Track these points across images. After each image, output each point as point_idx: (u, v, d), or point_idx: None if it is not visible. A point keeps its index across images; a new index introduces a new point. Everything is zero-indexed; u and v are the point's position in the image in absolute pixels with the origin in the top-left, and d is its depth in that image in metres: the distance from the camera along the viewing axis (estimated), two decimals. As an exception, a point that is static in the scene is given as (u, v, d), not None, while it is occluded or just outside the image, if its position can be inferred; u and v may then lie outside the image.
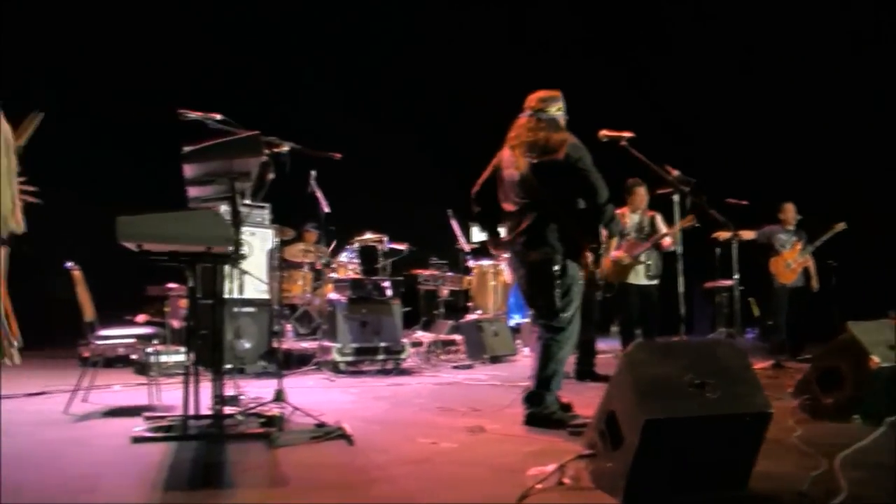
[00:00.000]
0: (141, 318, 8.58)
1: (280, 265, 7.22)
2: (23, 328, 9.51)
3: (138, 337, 6.01)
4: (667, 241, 7.39)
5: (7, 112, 2.39)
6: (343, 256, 9.50)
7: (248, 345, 7.38)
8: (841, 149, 11.10)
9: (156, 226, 3.76)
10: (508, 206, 4.87)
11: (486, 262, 10.34)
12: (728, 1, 12.05)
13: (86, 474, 3.51)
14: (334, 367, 7.52)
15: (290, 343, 8.53)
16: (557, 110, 4.82)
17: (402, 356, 7.89)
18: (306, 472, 3.51)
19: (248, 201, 4.71)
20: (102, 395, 5.99)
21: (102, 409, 5.31)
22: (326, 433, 4.25)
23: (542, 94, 4.85)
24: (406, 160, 12.32)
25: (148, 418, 4.67)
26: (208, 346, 4.63)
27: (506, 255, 9.57)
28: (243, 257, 4.41)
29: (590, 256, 4.66)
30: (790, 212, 9.15)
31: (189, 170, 4.19)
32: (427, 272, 10.12)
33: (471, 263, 10.47)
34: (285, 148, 4.85)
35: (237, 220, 4.19)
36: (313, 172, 7.55)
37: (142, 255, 3.96)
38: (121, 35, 10.53)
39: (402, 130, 12.47)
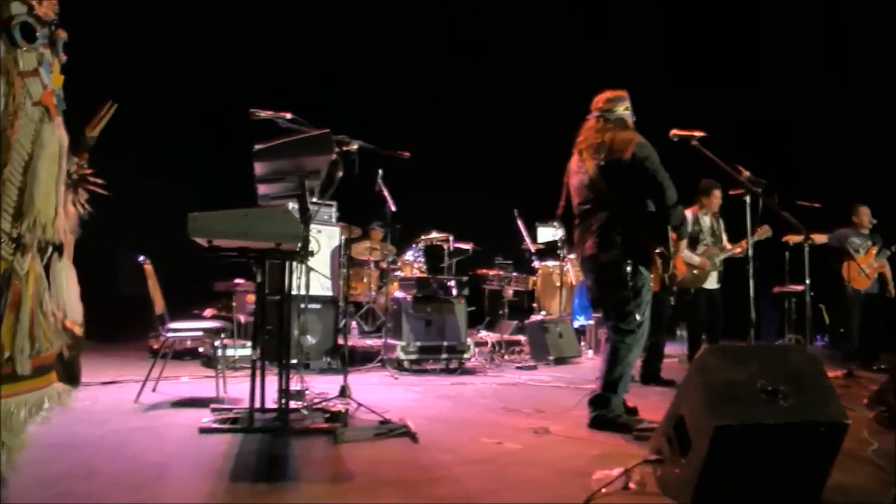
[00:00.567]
0: (208, 312, 8.76)
1: (346, 263, 7.27)
2: (97, 320, 9.81)
3: (206, 330, 6.14)
4: (738, 249, 7.27)
5: (81, 103, 2.45)
6: (408, 255, 9.55)
7: (313, 341, 7.46)
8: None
9: (226, 222, 3.82)
10: (578, 210, 4.85)
11: (551, 263, 10.29)
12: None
13: (155, 461, 3.60)
14: (398, 365, 7.57)
15: (354, 340, 8.60)
16: (625, 110, 4.79)
17: (466, 355, 7.89)
18: (370, 468, 3.53)
19: (315, 199, 4.76)
20: (171, 386, 6.14)
21: (171, 400, 5.43)
22: (390, 430, 4.27)
23: (608, 94, 4.83)
24: (473, 159, 12.32)
25: (215, 410, 4.77)
26: (274, 341, 4.70)
27: (571, 256, 9.62)
28: (311, 254, 4.46)
29: (659, 259, 4.58)
30: (865, 215, 8.87)
31: (259, 167, 4.26)
32: (492, 272, 10.11)
33: (536, 264, 10.43)
34: (354, 146, 4.88)
35: (306, 218, 4.24)
36: (380, 171, 7.60)
37: (211, 250, 4.04)
38: (195, 34, 10.73)
39: (470, 130, 12.45)
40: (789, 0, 11.95)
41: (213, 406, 4.91)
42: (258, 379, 4.44)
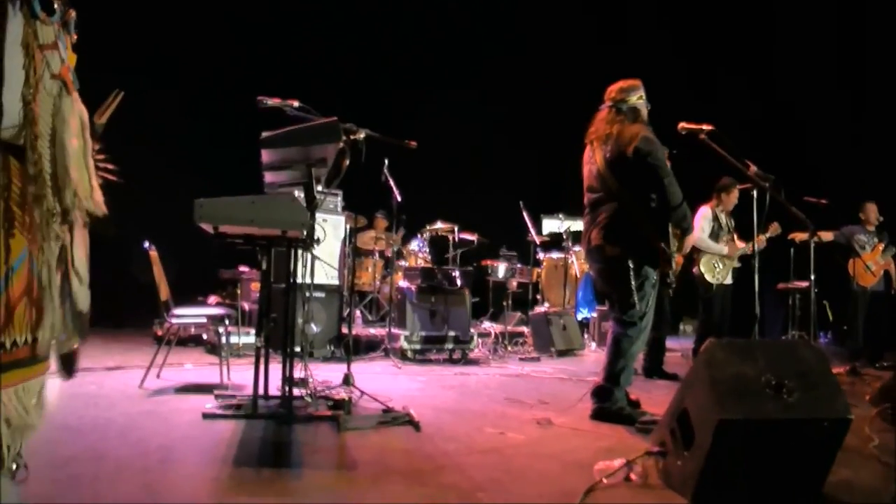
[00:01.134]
0: (212, 299, 8.79)
1: (352, 252, 7.29)
2: (103, 306, 9.84)
3: (211, 317, 6.16)
4: (750, 248, 7.28)
5: (89, 89, 2.46)
6: (413, 245, 9.57)
7: (317, 329, 7.48)
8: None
9: (233, 209, 3.84)
10: (587, 200, 4.87)
11: (556, 255, 10.31)
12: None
13: (161, 446, 3.62)
14: (402, 355, 7.59)
15: (358, 329, 8.62)
16: (638, 99, 4.77)
17: (470, 346, 7.92)
18: (375, 456, 3.55)
19: (321, 188, 4.77)
20: (175, 372, 6.17)
21: (175, 386, 5.46)
22: (394, 419, 4.30)
23: (621, 84, 4.81)
24: (480, 151, 12.31)
25: (219, 396, 4.79)
26: (279, 329, 4.72)
27: (576, 249, 9.63)
28: (317, 242, 4.48)
29: (667, 251, 4.60)
30: (872, 212, 8.86)
31: (266, 155, 4.27)
32: (497, 263, 10.12)
33: (541, 256, 10.44)
34: (361, 135, 4.88)
35: (312, 206, 4.25)
36: (386, 161, 7.61)
37: (217, 237, 4.06)
38: (204, 20, 10.72)
39: (477, 121, 12.44)
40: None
41: (216, 392, 4.93)
42: (262, 366, 4.45)
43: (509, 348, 8.87)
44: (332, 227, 7.57)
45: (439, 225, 9.60)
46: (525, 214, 9.90)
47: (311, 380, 4.95)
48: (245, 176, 5.31)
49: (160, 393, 5.19)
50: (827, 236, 8.61)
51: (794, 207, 4.94)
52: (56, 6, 2.25)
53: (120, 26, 9.73)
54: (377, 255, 9.81)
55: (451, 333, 7.80)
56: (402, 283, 8.28)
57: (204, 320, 6.35)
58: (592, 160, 4.80)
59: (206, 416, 4.29)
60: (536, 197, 10.54)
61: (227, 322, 5.84)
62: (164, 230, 6.93)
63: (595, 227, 4.74)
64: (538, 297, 10.41)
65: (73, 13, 2.39)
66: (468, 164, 12.18)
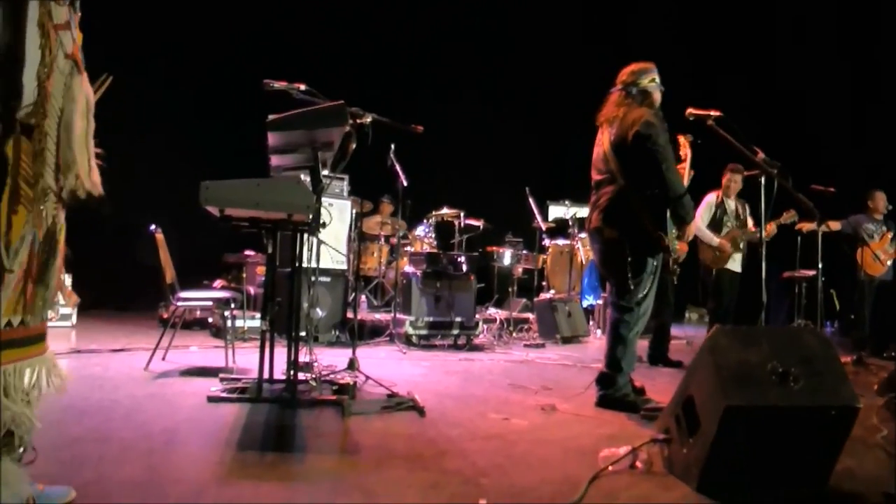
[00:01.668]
0: (218, 283, 8.80)
1: (357, 237, 7.27)
2: (108, 289, 9.89)
3: (216, 301, 6.16)
4: (765, 233, 7.24)
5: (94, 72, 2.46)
6: (419, 230, 9.55)
7: (322, 314, 7.49)
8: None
9: (239, 191, 3.82)
10: (593, 182, 4.87)
11: (561, 242, 10.29)
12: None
13: (165, 428, 3.63)
14: (407, 340, 7.59)
15: (363, 314, 8.62)
16: (650, 82, 4.72)
17: (475, 332, 7.92)
18: (379, 440, 3.55)
19: (327, 172, 4.76)
20: (180, 355, 6.18)
21: (180, 369, 5.47)
22: (398, 404, 4.30)
23: (633, 66, 4.77)
24: (486, 136, 12.27)
25: (223, 379, 4.80)
26: (284, 313, 4.71)
27: (582, 236, 9.62)
28: (323, 226, 4.47)
29: (664, 239, 4.57)
30: (881, 200, 8.81)
31: (272, 138, 4.26)
32: (502, 249, 10.11)
33: (546, 242, 10.42)
34: (368, 119, 4.86)
35: (318, 190, 4.24)
36: (392, 145, 7.59)
37: (223, 220, 4.05)
38: (210, 2, 10.69)
39: (484, 106, 12.41)
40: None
41: (221, 375, 4.94)
42: (267, 350, 4.45)
43: (514, 334, 8.87)
44: (337, 212, 7.56)
45: (445, 210, 9.59)
46: (531, 200, 9.88)
47: (315, 364, 4.95)
48: (251, 159, 5.30)
49: (165, 376, 5.20)
50: (835, 226, 8.57)
51: (801, 195, 4.90)
52: None
53: (126, 8, 9.71)
54: (383, 239, 9.81)
55: (456, 319, 7.81)
56: (408, 269, 8.27)
57: (209, 303, 6.38)
58: (600, 142, 4.80)
59: (210, 399, 4.30)
60: (542, 183, 10.52)
61: (232, 305, 5.85)
62: (170, 213, 6.94)
63: (596, 209, 4.76)
64: (543, 283, 10.40)
65: None
66: (474, 150, 12.15)
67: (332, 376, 4.97)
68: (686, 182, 6.33)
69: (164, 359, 5.76)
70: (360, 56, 12.11)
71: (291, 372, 4.42)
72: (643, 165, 4.52)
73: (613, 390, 4.59)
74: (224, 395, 4.37)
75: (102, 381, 4.87)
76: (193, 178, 3.92)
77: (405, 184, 7.76)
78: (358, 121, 4.80)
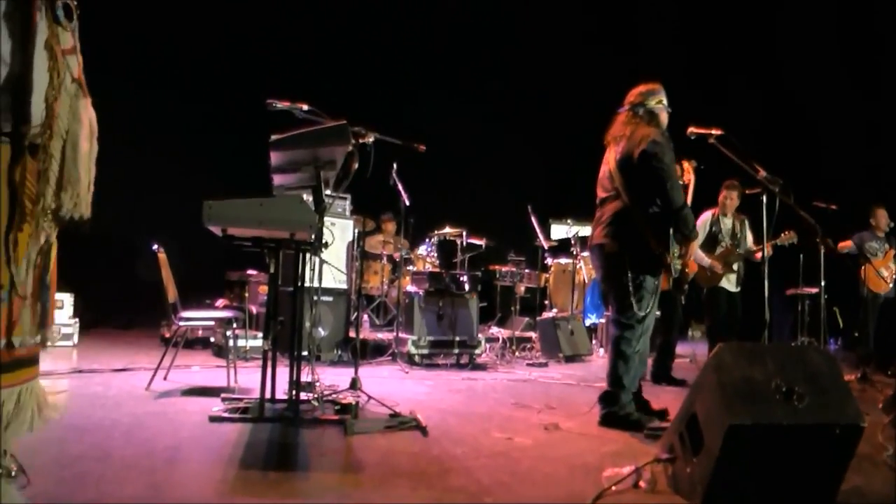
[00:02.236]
0: (220, 302, 8.80)
1: (360, 256, 7.28)
2: (110, 307, 9.89)
3: (218, 320, 6.16)
4: (757, 255, 7.23)
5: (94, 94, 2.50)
6: (421, 249, 9.55)
7: (324, 333, 7.48)
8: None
9: (241, 210, 3.84)
10: (598, 199, 4.92)
11: (564, 260, 10.28)
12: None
13: (167, 446, 3.63)
14: (409, 359, 7.58)
15: (366, 333, 8.61)
16: (657, 103, 4.78)
17: (477, 351, 7.90)
18: (382, 459, 3.54)
19: (329, 191, 4.77)
20: (182, 374, 6.18)
21: (182, 388, 5.46)
22: (401, 423, 4.28)
23: (641, 88, 4.84)
24: (488, 155, 12.29)
25: (225, 399, 4.78)
26: (286, 332, 4.71)
27: (585, 254, 9.62)
28: (325, 245, 4.48)
29: (668, 258, 4.60)
30: (882, 217, 8.80)
31: (275, 157, 4.28)
32: (505, 268, 10.10)
33: (549, 261, 10.42)
34: (370, 138, 4.89)
35: (321, 209, 4.25)
36: (395, 164, 7.61)
37: (226, 239, 4.06)
38: (213, 20, 10.74)
39: (486, 124, 12.44)
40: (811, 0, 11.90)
41: (223, 395, 4.93)
42: (269, 369, 4.45)
43: (517, 353, 8.85)
44: (340, 231, 7.57)
45: (447, 229, 9.59)
46: (533, 219, 9.88)
47: (318, 383, 4.95)
48: (254, 178, 5.32)
49: (167, 395, 5.20)
50: (845, 246, 8.57)
51: (803, 212, 4.91)
52: (74, 12, 2.31)
53: (130, 26, 9.78)
54: (385, 258, 9.80)
55: (459, 338, 7.79)
56: (410, 287, 8.27)
57: (211, 323, 6.38)
58: (607, 161, 4.85)
59: (212, 418, 4.29)
60: (545, 201, 10.51)
61: (234, 325, 5.84)
62: (173, 231, 6.95)
63: (599, 225, 4.81)
64: (546, 301, 10.39)
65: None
66: (477, 169, 12.15)
67: (334, 396, 4.95)
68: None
69: (165, 378, 5.76)
70: (363, 75, 12.15)
71: (293, 391, 4.42)
72: (648, 183, 4.57)
73: (617, 408, 4.58)
74: (226, 414, 4.36)
75: (104, 400, 4.87)
76: (196, 196, 3.94)
77: (407, 202, 7.77)
78: (360, 140, 4.81)
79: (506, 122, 12.72)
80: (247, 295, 8.61)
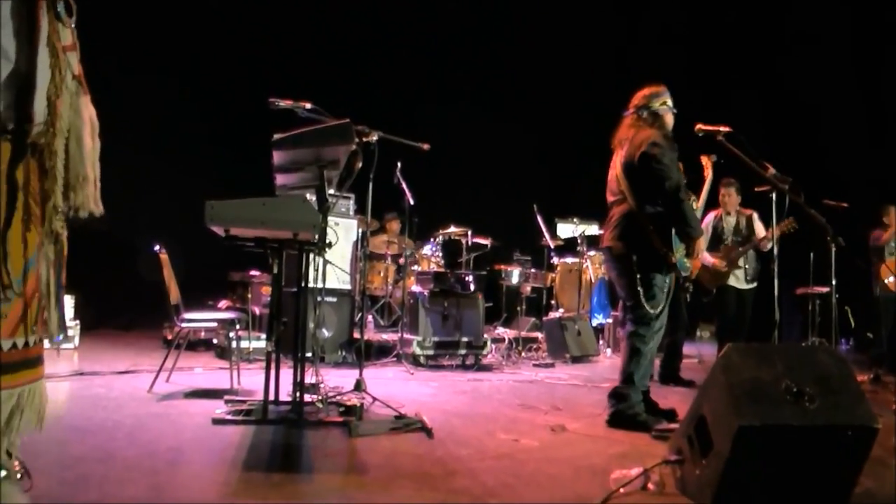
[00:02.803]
0: (223, 303, 8.81)
1: (364, 256, 7.29)
2: (112, 309, 9.91)
3: (221, 321, 6.17)
4: (763, 242, 7.22)
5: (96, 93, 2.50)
6: (426, 249, 9.55)
7: (328, 334, 7.49)
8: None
9: (244, 210, 3.84)
10: (608, 202, 4.99)
11: (570, 260, 10.26)
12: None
13: (170, 447, 3.64)
14: (414, 360, 7.58)
15: (370, 334, 8.61)
16: (662, 105, 4.83)
17: (483, 352, 7.89)
18: (386, 460, 3.54)
19: (332, 191, 4.77)
20: (185, 376, 6.18)
21: (185, 390, 5.46)
22: (406, 424, 4.29)
23: (646, 90, 4.90)
24: (493, 153, 12.27)
25: (228, 401, 4.79)
26: (290, 334, 4.72)
27: (591, 254, 9.61)
28: (329, 245, 4.48)
29: (673, 257, 4.63)
30: (895, 216, 8.78)
31: (278, 157, 4.28)
32: (510, 267, 10.10)
33: (555, 260, 10.40)
34: (374, 137, 4.89)
35: (324, 209, 4.26)
36: (399, 163, 7.61)
37: (228, 239, 4.07)
38: (215, 20, 10.76)
39: (491, 122, 12.42)
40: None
41: (226, 397, 4.93)
42: (273, 371, 4.45)
43: (523, 354, 8.83)
44: (343, 231, 7.56)
45: (452, 228, 9.58)
46: (539, 218, 9.87)
47: (321, 385, 4.95)
48: (256, 178, 5.33)
49: (169, 397, 5.20)
50: (888, 237, 8.55)
51: (813, 211, 4.90)
52: (74, 9, 2.31)
53: (132, 25, 9.80)
54: (389, 258, 9.80)
55: (464, 339, 7.79)
56: (415, 288, 8.27)
57: (214, 324, 6.38)
58: (614, 165, 4.91)
59: (215, 421, 4.29)
60: (550, 200, 10.50)
61: (237, 326, 5.85)
62: (175, 232, 6.96)
63: (607, 227, 4.90)
64: (552, 301, 10.37)
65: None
66: (482, 167, 12.15)
67: (338, 397, 4.96)
68: (702, 202, 6.35)
69: (168, 380, 5.76)
70: (366, 73, 12.14)
71: (297, 393, 4.43)
72: (650, 185, 4.64)
73: (626, 406, 4.61)
74: (229, 416, 4.36)
75: (106, 402, 4.88)
76: (198, 196, 3.94)
77: (412, 202, 7.77)
78: (364, 138, 4.82)
79: (511, 119, 12.69)
80: (249, 296, 8.62)
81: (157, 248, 5.61)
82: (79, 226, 2.38)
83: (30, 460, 2.54)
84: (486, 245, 9.87)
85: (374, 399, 4.93)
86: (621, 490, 3.03)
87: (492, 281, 10.00)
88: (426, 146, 5.51)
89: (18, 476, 2.33)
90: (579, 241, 9.93)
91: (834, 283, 7.39)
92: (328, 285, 6.64)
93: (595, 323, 9.90)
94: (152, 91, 10.05)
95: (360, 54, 12.14)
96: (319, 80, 10.17)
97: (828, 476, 2.87)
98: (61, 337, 2.33)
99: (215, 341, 8.21)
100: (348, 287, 7.84)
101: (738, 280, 7.41)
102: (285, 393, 4.67)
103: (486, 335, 8.12)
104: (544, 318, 9.46)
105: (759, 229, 7.42)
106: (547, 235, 9.95)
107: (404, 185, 7.62)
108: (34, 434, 2.28)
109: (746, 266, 7.41)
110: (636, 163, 4.61)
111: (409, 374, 7.03)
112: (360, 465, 3.52)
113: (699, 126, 4.79)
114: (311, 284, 4.87)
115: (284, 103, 4.63)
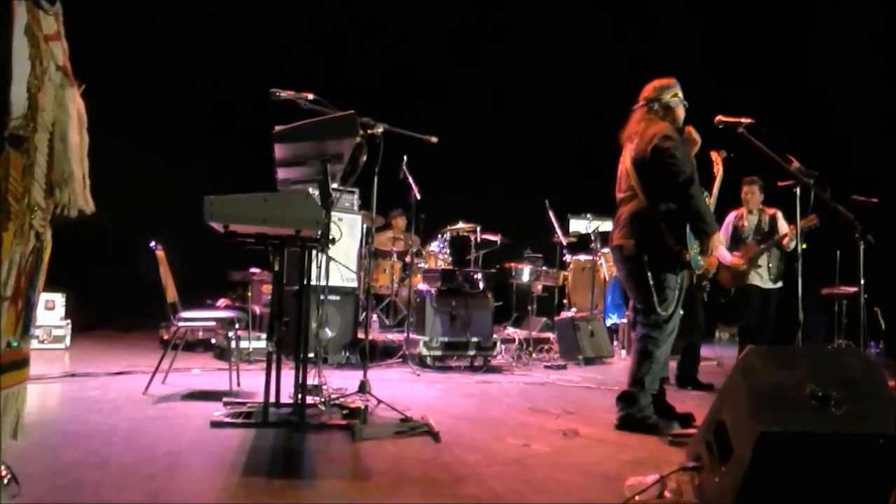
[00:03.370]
0: (222, 302, 8.82)
1: (369, 253, 7.28)
2: (106, 308, 9.92)
3: (220, 321, 6.17)
4: (786, 240, 7.19)
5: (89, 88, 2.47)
6: (433, 246, 9.54)
7: (331, 334, 7.49)
8: None
9: (244, 206, 3.84)
10: (617, 199, 4.98)
11: (583, 257, 10.24)
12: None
13: (167, 452, 3.64)
14: (420, 361, 7.57)
15: (375, 334, 8.61)
16: (673, 97, 4.82)
17: (492, 353, 7.88)
18: (391, 465, 3.54)
19: (336, 185, 4.76)
20: (182, 377, 6.19)
21: (182, 392, 5.47)
22: (412, 428, 4.28)
23: (656, 83, 4.88)
24: (503, 147, 12.25)
25: (227, 403, 4.79)
26: (291, 334, 4.71)
27: (605, 251, 9.59)
28: (332, 242, 4.47)
29: (687, 255, 4.60)
30: None
31: (279, 150, 4.26)
32: (521, 265, 10.08)
33: (567, 258, 10.38)
34: (380, 130, 4.88)
35: (328, 204, 4.24)
36: (405, 157, 7.60)
37: (228, 236, 4.06)
38: (214, 8, 10.75)
39: (500, 115, 12.40)
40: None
41: (225, 399, 4.93)
42: (273, 372, 4.44)
43: (533, 355, 8.82)
44: (347, 227, 7.56)
45: (460, 224, 9.57)
46: (551, 214, 9.85)
47: (324, 387, 4.95)
48: (257, 172, 5.32)
49: (166, 399, 5.21)
50: None
51: (840, 207, 4.86)
52: None
53: (126, 17, 9.80)
54: (395, 256, 9.80)
55: (473, 339, 7.77)
56: (421, 286, 8.26)
57: (213, 324, 6.38)
58: (623, 160, 4.90)
59: (214, 423, 4.29)
60: (563, 195, 10.49)
61: (236, 326, 5.85)
62: (172, 229, 6.97)
63: (617, 226, 4.89)
64: (564, 301, 10.36)
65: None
66: (491, 161, 12.11)
67: (342, 400, 4.95)
68: (714, 199, 6.32)
69: (164, 382, 5.77)
70: (372, 64, 12.11)
71: (299, 395, 4.42)
72: (662, 180, 4.61)
73: (636, 410, 4.60)
74: (228, 419, 4.36)
75: (101, 405, 4.88)
76: (197, 192, 3.93)
77: (418, 197, 7.77)
78: (369, 131, 4.81)
79: (521, 110, 12.66)
80: (250, 294, 8.64)
81: (153, 245, 5.61)
82: (72, 224, 2.37)
83: (19, 466, 2.54)
84: (496, 242, 9.86)
85: (379, 401, 4.92)
86: (636, 498, 3.02)
87: (501, 279, 9.99)
88: (433, 139, 5.49)
89: (5, 482, 2.32)
90: (593, 237, 9.92)
91: (862, 282, 7.33)
92: (331, 283, 6.64)
93: (609, 323, 9.87)
94: (147, 82, 10.04)
95: (365, 44, 12.10)
96: (322, 70, 10.17)
97: (856, 488, 2.81)
98: (16, 343, 2.30)
99: (214, 341, 8.22)
100: (352, 285, 7.84)
101: (762, 279, 7.38)
102: (286, 395, 4.68)
103: (495, 336, 8.10)
104: (556, 319, 9.44)
105: (783, 228, 7.39)
106: (559, 232, 9.94)
107: (411, 180, 7.62)
108: (26, 438, 2.28)
109: (770, 265, 7.38)
110: (648, 157, 4.59)
111: (416, 375, 7.03)
112: (363, 470, 3.51)
113: (719, 118, 4.75)
114: (313, 283, 4.86)
115: (286, 94, 4.62)
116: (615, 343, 9.80)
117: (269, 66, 10.51)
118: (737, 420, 2.85)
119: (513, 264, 10.13)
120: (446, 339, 7.69)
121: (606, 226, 9.58)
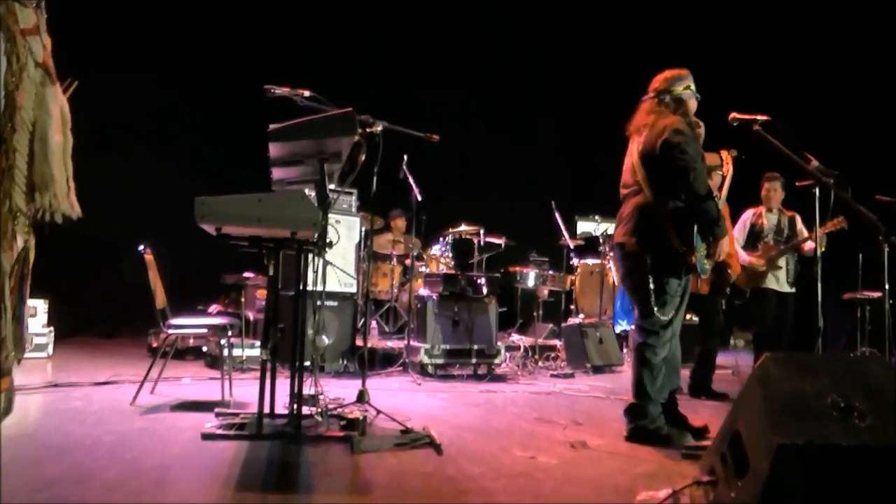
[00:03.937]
0: (214, 308, 8.80)
1: (368, 256, 7.28)
2: (91, 314, 9.90)
3: (211, 327, 6.15)
4: (808, 245, 7.17)
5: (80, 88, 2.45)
6: (435, 249, 9.53)
7: (329, 341, 7.47)
8: None
9: (238, 207, 3.82)
10: (621, 194, 4.94)
11: (591, 261, 10.23)
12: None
13: (155, 465, 3.62)
14: (422, 369, 7.56)
15: (374, 341, 8.59)
16: (685, 89, 4.78)
17: (497, 360, 7.87)
18: (391, 479, 3.53)
19: (334, 186, 4.75)
20: (172, 387, 6.17)
21: (171, 402, 5.45)
22: (413, 440, 4.27)
23: (667, 73, 4.84)
24: (507, 145, 12.25)
25: (219, 414, 4.77)
26: (287, 341, 4.70)
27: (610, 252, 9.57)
28: (330, 245, 4.46)
29: (693, 257, 4.56)
30: None
31: (274, 149, 4.26)
32: (526, 269, 10.07)
33: (575, 261, 10.37)
34: (379, 128, 4.87)
35: (325, 205, 4.23)
36: (405, 156, 7.59)
37: (221, 239, 4.05)
38: (203, 5, 10.76)
39: (505, 113, 12.40)
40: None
41: (217, 410, 4.91)
42: (268, 382, 4.43)
43: (540, 363, 8.81)
44: (345, 229, 7.55)
45: (463, 227, 9.56)
46: (557, 215, 9.85)
47: (321, 397, 4.93)
48: (251, 172, 5.31)
49: (155, 410, 5.19)
50: None
51: (862, 207, 4.84)
52: None
53: (117, 16, 9.80)
54: (395, 259, 9.78)
55: (476, 346, 7.76)
56: (423, 291, 8.25)
57: (204, 330, 6.35)
58: (630, 153, 4.86)
59: (205, 436, 4.28)
60: (570, 196, 10.48)
61: (229, 332, 5.84)
62: (162, 231, 6.94)
63: (620, 222, 4.85)
64: (572, 306, 10.36)
65: None
66: (495, 160, 12.12)
67: (339, 410, 4.94)
68: (722, 199, 6.30)
69: (152, 392, 5.75)
70: (371, 60, 12.13)
71: (295, 405, 4.41)
72: (671, 176, 4.56)
73: (646, 422, 4.58)
74: (220, 431, 4.35)
75: (84, 416, 4.85)
76: (188, 192, 3.91)
77: (419, 198, 7.75)
78: (368, 129, 4.80)
79: (526, 109, 12.67)
80: (243, 300, 8.61)
81: (141, 248, 5.59)
82: (53, 225, 2.35)
83: None
84: (500, 245, 9.85)
85: (379, 412, 4.91)
86: (649, 513, 3.00)
87: (506, 284, 9.97)
88: (435, 138, 5.47)
89: None
90: (601, 240, 9.91)
91: (887, 287, 7.31)
92: (329, 288, 6.62)
93: (618, 330, 9.86)
94: (137, 78, 10.04)
95: (364, 39, 12.11)
96: (320, 66, 10.17)
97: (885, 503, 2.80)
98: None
99: (205, 349, 8.20)
100: (351, 290, 7.82)
101: (778, 282, 7.37)
102: (282, 405, 4.67)
103: (499, 343, 8.09)
104: (563, 325, 9.43)
105: (803, 231, 7.38)
106: (566, 234, 9.93)
107: (411, 180, 7.61)
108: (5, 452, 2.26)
109: (789, 267, 7.36)
110: (657, 152, 4.55)
111: (417, 384, 7.01)
112: (363, 484, 3.50)
113: (733, 115, 4.73)
114: (310, 287, 4.84)
115: (281, 91, 4.61)
116: (625, 350, 9.76)
117: (263, 61, 10.53)
118: (754, 431, 2.83)
119: (518, 268, 10.12)
120: (448, 347, 7.68)
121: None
